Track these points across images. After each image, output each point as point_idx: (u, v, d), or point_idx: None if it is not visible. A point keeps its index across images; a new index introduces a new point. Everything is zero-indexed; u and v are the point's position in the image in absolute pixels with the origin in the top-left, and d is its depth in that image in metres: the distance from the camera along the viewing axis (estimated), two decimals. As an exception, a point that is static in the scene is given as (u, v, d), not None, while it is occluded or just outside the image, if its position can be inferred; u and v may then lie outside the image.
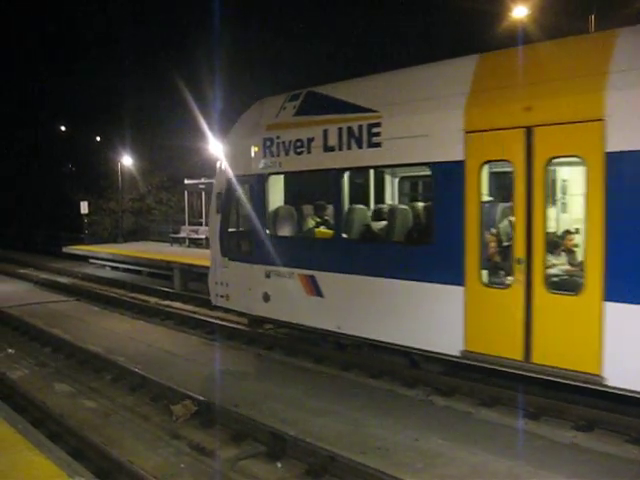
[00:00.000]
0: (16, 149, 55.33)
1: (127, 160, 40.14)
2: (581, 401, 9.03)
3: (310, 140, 11.68)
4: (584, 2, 22.72)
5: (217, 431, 9.07)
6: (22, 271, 28.03)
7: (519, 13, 22.00)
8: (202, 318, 16.06)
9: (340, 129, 11.12)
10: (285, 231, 12.83)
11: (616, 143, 7.90)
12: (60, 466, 6.39)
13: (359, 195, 12.41)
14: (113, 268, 28.60)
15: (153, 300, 19.47)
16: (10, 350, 14.17)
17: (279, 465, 8.02)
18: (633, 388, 8.00)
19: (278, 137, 12.32)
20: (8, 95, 56.76)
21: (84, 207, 38.55)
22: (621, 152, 7.88)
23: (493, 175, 10.22)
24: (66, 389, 11.36)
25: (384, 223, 11.59)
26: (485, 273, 9.49)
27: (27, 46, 60.25)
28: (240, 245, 13.49)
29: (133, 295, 20.67)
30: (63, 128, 56.92)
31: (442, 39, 33.69)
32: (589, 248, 8.33)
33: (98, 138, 51.02)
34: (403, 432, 8.83)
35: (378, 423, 9.19)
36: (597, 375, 8.17)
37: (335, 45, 40.65)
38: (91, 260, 30.88)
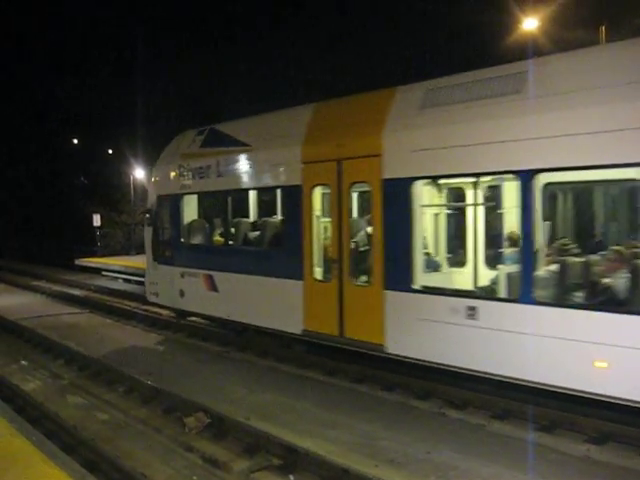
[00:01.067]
0: (28, 162, 55.70)
1: (139, 173, 40.35)
2: (594, 414, 8.99)
3: (208, 167, 15.04)
4: (595, 13, 22.77)
5: (230, 443, 9.10)
6: (35, 283, 28.24)
7: (529, 26, 22.02)
8: (214, 330, 16.10)
9: (227, 159, 14.45)
10: (194, 240, 16.13)
11: (387, 172, 10.78)
12: (75, 478, 6.43)
13: (241, 210, 15.80)
14: (125, 280, 28.73)
15: (165, 312, 19.48)
16: (23, 362, 14.27)
17: (292, 478, 8.02)
18: (403, 354, 10.69)
19: (189, 164, 15.76)
20: (21, 107, 57.24)
21: (96, 219, 38.83)
22: (390, 179, 10.74)
23: (323, 196, 12.79)
24: (79, 401, 11.44)
25: (257, 232, 14.62)
26: (316, 270, 12.39)
27: (39, 58, 60.83)
28: (165, 251, 16.81)
29: (146, 307, 20.71)
30: (75, 141, 57.30)
31: (451, 53, 33.73)
32: (375, 250, 11.20)
33: (110, 151, 51.29)
34: (415, 445, 8.83)
35: (391, 436, 9.19)
36: (382, 345, 10.93)
37: (345, 60, 40.86)
38: (104, 272, 31.05)
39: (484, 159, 9.56)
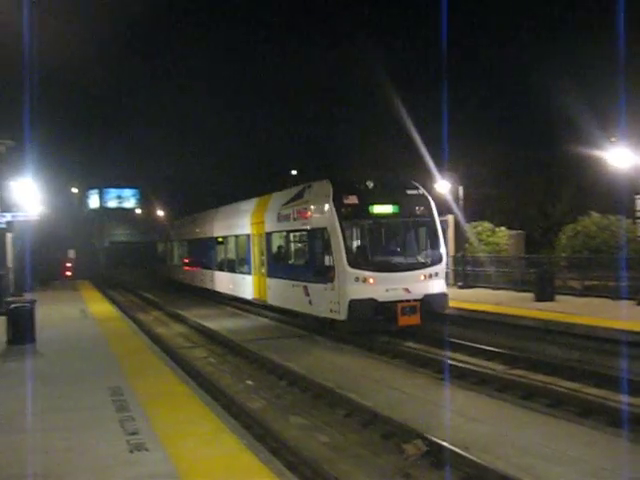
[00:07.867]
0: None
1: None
2: None
3: None
4: None
5: (448, 473, 8.90)
6: (259, 309, 29.47)
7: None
8: (431, 357, 15.95)
9: None
10: None
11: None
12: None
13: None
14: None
15: (382, 339, 19.55)
16: (249, 382, 15.03)
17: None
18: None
19: None
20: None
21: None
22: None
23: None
24: (301, 422, 11.78)
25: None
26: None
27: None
28: None
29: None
30: None
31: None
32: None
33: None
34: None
35: (628, 475, 8.47)
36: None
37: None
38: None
39: None
